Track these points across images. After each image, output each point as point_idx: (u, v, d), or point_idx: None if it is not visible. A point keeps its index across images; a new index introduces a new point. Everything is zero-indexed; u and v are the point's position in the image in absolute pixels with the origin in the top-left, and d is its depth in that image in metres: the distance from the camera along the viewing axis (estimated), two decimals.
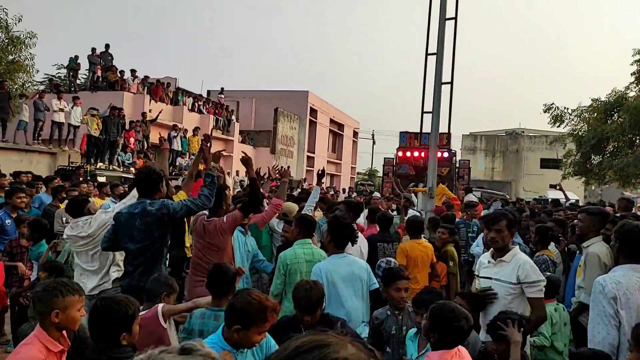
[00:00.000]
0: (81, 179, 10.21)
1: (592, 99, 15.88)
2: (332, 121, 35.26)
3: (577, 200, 17.42)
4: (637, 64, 14.66)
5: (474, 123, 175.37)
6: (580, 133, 15.79)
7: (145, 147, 16.14)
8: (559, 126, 16.61)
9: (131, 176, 13.56)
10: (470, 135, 43.33)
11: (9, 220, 5.47)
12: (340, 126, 37.17)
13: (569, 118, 15.98)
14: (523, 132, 42.45)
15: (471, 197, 12.85)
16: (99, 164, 13.12)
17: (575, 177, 17.31)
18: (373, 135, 49.00)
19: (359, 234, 4.25)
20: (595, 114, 15.37)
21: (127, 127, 14.76)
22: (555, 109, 16.03)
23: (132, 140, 14.65)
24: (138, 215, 3.44)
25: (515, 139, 41.42)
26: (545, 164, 37.68)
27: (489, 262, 3.19)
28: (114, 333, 2.08)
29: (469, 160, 23.77)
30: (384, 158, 22.98)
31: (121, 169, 13.76)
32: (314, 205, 5.73)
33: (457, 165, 21.32)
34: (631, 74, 15.00)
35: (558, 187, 11.04)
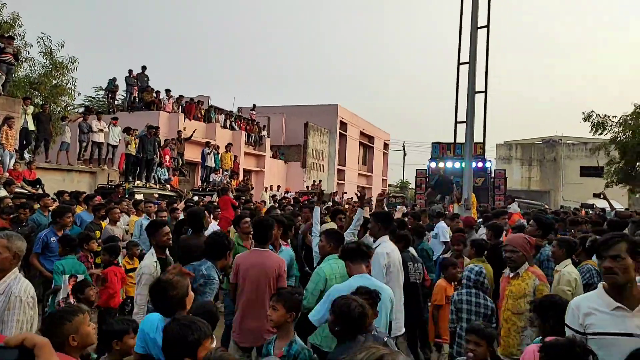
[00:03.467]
0: (120, 196, 10.49)
1: (634, 105, 15.27)
2: (362, 134, 35.19)
3: (626, 209, 16.63)
4: None
5: (508, 132, 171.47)
6: (624, 140, 15.16)
7: (181, 164, 16.52)
8: (600, 134, 15.99)
9: (167, 193, 13.89)
10: (504, 144, 42.31)
11: (54, 238, 5.67)
12: (371, 138, 37.04)
13: (611, 125, 15.40)
14: (560, 139, 41.14)
15: (515, 208, 12.50)
16: (137, 182, 13.47)
17: (619, 185, 16.57)
18: (404, 146, 48.74)
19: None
20: None
21: (162, 145, 15.14)
22: (595, 117, 15.48)
23: (167, 157, 15.00)
24: None
25: (552, 147, 40.17)
26: (585, 172, 36.30)
27: (616, 308, 2.18)
28: (178, 356, 2.09)
29: (504, 170, 23.20)
30: (416, 170, 22.70)
31: (158, 186, 14.08)
32: (357, 229, 5.41)
33: (492, 175, 20.83)
34: None
35: (602, 196, 10.59)
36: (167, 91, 18.93)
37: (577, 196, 32.75)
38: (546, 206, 21.24)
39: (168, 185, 14.45)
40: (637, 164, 15.21)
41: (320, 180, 26.34)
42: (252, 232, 4.46)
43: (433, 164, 20.94)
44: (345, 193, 24.14)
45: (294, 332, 2.79)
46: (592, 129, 15.78)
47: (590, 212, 14.81)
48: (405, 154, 48.67)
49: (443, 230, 7.58)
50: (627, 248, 2.14)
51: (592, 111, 15.57)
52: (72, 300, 4.38)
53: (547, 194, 35.97)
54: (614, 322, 2.17)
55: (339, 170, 30.90)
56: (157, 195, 12.87)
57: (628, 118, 15.13)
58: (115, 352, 2.70)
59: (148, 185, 13.71)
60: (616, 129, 15.40)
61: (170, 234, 4.27)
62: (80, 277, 4.85)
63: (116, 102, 19.52)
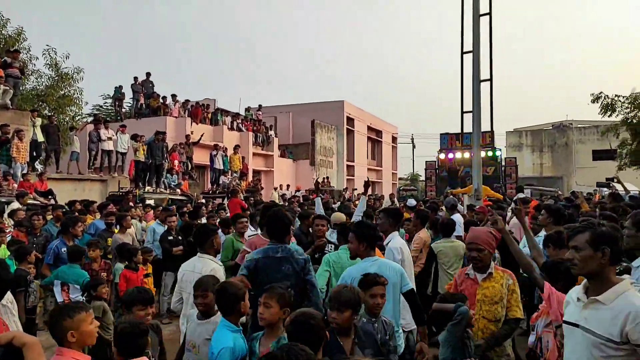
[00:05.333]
0: (131, 203, 10.58)
1: None
2: (369, 128, 35.08)
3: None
4: None
5: (518, 119, 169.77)
6: (634, 120, 14.89)
7: (190, 168, 16.62)
8: (609, 115, 15.72)
9: (178, 197, 13.99)
10: (514, 131, 41.84)
11: (64, 249, 5.73)
12: (378, 133, 36.91)
13: (621, 106, 15.11)
14: (571, 124, 40.57)
15: (522, 195, 12.36)
16: (147, 188, 13.57)
17: (633, 167, 16.30)
18: (412, 139, 48.48)
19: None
20: None
21: (169, 150, 15.24)
22: (604, 98, 15.21)
23: (176, 162, 15.09)
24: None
25: (563, 132, 39.64)
26: (598, 155, 35.73)
27: (578, 299, 2.22)
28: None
29: (515, 158, 22.97)
30: (426, 162, 22.61)
31: (168, 191, 14.19)
32: (362, 215, 5.76)
33: (503, 163, 20.63)
34: None
35: (616, 180, 10.42)
36: (173, 96, 19.05)
37: (590, 180, 32.29)
38: (559, 192, 20.97)
39: (178, 190, 14.54)
40: None
41: (328, 177, 26.33)
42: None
43: (442, 155, 20.83)
44: (356, 189, 24.06)
45: (283, 328, 2.64)
46: (601, 111, 15.51)
47: (605, 192, 14.60)
48: (414, 147, 48.47)
49: (459, 223, 7.52)
50: (589, 239, 2.13)
51: (601, 92, 15.33)
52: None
53: (560, 179, 35.50)
54: (573, 311, 2.25)
55: (348, 166, 30.85)
56: (167, 201, 12.98)
57: (638, 97, 14.84)
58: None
59: (158, 191, 13.82)
60: (626, 110, 15.13)
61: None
62: (74, 287, 4.97)
63: (123, 110, 19.68)
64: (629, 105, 15.04)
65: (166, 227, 7.52)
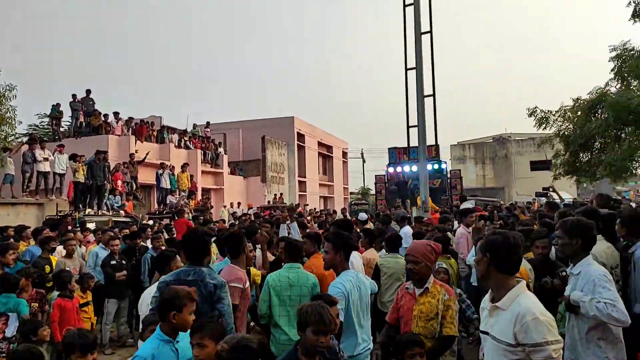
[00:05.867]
0: (70, 227, 9.99)
1: (572, 99, 16.07)
2: (320, 144, 35.36)
3: (574, 200, 17.35)
4: (615, 60, 14.93)
5: (462, 132, 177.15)
6: (566, 133, 15.91)
7: (134, 189, 16.00)
8: (544, 128, 16.73)
9: (121, 219, 13.39)
10: (458, 144, 43.63)
11: None
12: (329, 148, 37.27)
13: (554, 119, 16.13)
14: (510, 136, 42.86)
15: (467, 205, 12.78)
16: (88, 210, 12.91)
17: (567, 177, 17.36)
18: (362, 153, 49.37)
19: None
20: (579, 112, 15.52)
21: (112, 169, 14.63)
22: (539, 112, 16.19)
23: (119, 182, 14.48)
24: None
25: (502, 144, 41.76)
26: (535, 166, 37.90)
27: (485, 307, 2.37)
28: None
29: (459, 170, 23.88)
30: (375, 175, 23.02)
31: (111, 213, 13.56)
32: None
33: (449, 176, 21.37)
34: (610, 71, 15.24)
35: (551, 189, 11.03)
36: (116, 114, 18.34)
37: (529, 190, 34.08)
38: (501, 202, 21.95)
39: (122, 211, 13.93)
40: (581, 155, 15.98)
41: (281, 194, 26.18)
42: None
43: (391, 169, 21.29)
44: (307, 205, 24.06)
45: None
46: (536, 124, 16.49)
47: (542, 202, 15.41)
48: (364, 161, 49.34)
49: (407, 235, 7.62)
50: (480, 245, 2.34)
51: (536, 107, 16.30)
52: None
53: (501, 190, 37.27)
54: (484, 320, 2.38)
55: (299, 182, 30.84)
56: (111, 223, 12.39)
57: (567, 110, 15.90)
58: None
59: (100, 213, 13.17)
60: (559, 123, 16.16)
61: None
62: (12, 316, 4.60)
63: (62, 129, 18.72)
64: (560, 119, 16.08)
65: (109, 250, 7.17)
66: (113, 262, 7.01)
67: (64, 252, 7.11)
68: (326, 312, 2.49)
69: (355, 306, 3.27)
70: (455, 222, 8.26)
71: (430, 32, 10.87)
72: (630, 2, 14.21)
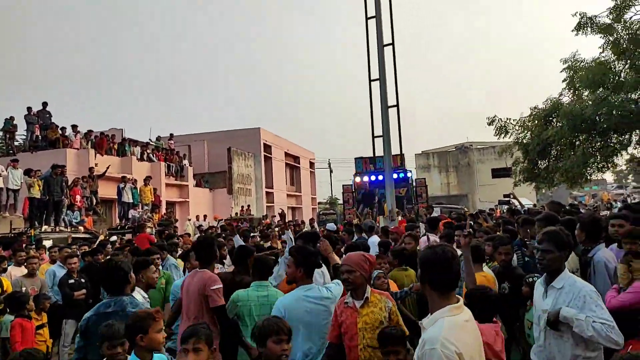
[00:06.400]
0: (24, 245, 9.52)
1: (530, 108, 16.68)
2: (287, 155, 35.29)
3: (534, 205, 17.91)
4: (566, 71, 15.64)
5: (426, 142, 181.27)
6: (524, 141, 16.46)
7: (94, 203, 15.45)
8: (504, 137, 17.26)
9: (81, 235, 12.87)
10: (422, 154, 44.50)
11: None
12: (296, 159, 37.24)
13: (512, 128, 16.67)
14: (471, 145, 44.05)
15: (435, 215, 12.99)
16: (44, 227, 12.35)
17: (526, 183, 17.93)
18: (329, 163, 49.55)
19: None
20: (536, 121, 16.11)
21: (70, 184, 14.10)
22: (498, 121, 16.70)
23: (78, 198, 13.95)
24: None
25: (465, 153, 42.88)
26: (497, 173, 39.08)
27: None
28: None
29: (424, 179, 24.25)
30: (343, 185, 23.07)
31: (69, 229, 13.02)
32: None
33: (414, 184, 21.69)
34: (562, 81, 15.94)
35: (512, 196, 11.35)
36: (74, 127, 17.74)
37: (492, 196, 35.08)
38: (465, 209, 22.43)
39: (81, 227, 13.40)
40: (539, 162, 16.56)
41: (249, 205, 25.90)
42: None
43: (358, 179, 21.42)
44: (275, 216, 23.89)
45: None
46: (496, 133, 16.99)
47: (505, 209, 15.87)
48: (331, 171, 49.51)
49: (374, 244, 7.62)
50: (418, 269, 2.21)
51: (495, 116, 16.80)
52: None
53: (465, 197, 38.14)
54: None
55: (267, 193, 30.63)
56: (70, 240, 11.89)
57: (526, 120, 16.49)
58: None
59: (58, 230, 12.62)
60: (517, 132, 16.72)
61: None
62: None
63: (16, 143, 17.95)
64: (519, 128, 16.64)
65: (66, 269, 6.85)
66: (71, 280, 6.69)
67: (24, 271, 6.78)
68: (282, 321, 2.64)
69: (297, 321, 3.14)
70: (423, 229, 8.36)
71: (393, 44, 11.07)
72: (575, 13, 14.96)
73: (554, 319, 2.82)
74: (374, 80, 10.95)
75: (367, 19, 11.09)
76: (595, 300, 2.78)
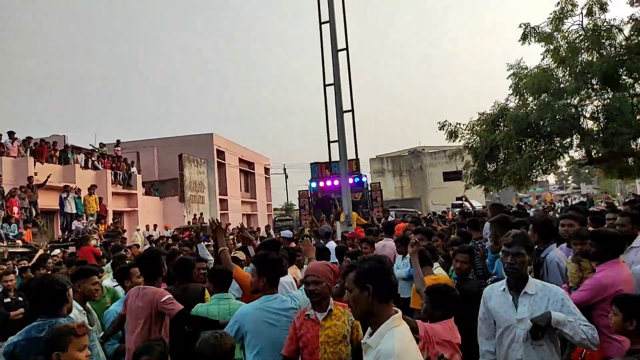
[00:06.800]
0: None
1: (478, 113, 17.27)
2: (241, 160, 34.75)
3: (484, 207, 18.50)
4: (512, 78, 16.32)
5: (380, 146, 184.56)
6: (474, 145, 16.99)
7: (34, 215, 14.50)
8: (454, 141, 17.77)
9: (19, 250, 12.00)
10: (377, 158, 45.20)
11: None
12: (251, 164, 36.76)
13: (462, 132, 17.18)
14: (423, 149, 45.22)
15: (392, 219, 13.12)
16: None
17: (476, 186, 18.51)
18: (285, 169, 49.32)
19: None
20: (484, 125, 16.68)
21: (6, 195, 13.15)
22: (449, 126, 17.16)
23: (15, 209, 13.03)
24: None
25: (417, 157, 43.94)
26: (448, 176, 40.29)
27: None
28: None
29: (379, 183, 24.59)
30: (299, 191, 22.96)
31: (6, 243, 12.11)
32: None
33: (369, 189, 21.90)
34: (509, 87, 16.62)
35: (464, 199, 11.62)
36: (10, 133, 16.57)
37: (444, 199, 36.12)
38: (419, 212, 22.88)
39: (19, 241, 12.51)
40: (488, 165, 17.14)
41: (202, 213, 25.21)
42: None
43: (314, 184, 21.37)
44: (229, 224, 23.36)
45: None
46: (447, 137, 17.47)
47: (457, 212, 16.26)
48: (286, 177, 49.26)
49: (332, 250, 7.56)
50: (354, 278, 2.05)
51: (446, 121, 17.26)
52: None
53: (418, 200, 39.05)
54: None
55: (220, 200, 29.99)
56: (6, 254, 11.05)
57: (475, 124, 17.04)
58: None
59: None
60: (467, 136, 17.25)
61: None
62: None
63: None
64: (468, 132, 17.17)
65: (1, 287, 6.33)
66: (7, 299, 6.24)
67: None
68: (220, 342, 2.51)
69: (255, 333, 2.99)
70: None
71: (347, 49, 11.08)
72: (520, 25, 15.68)
73: (545, 324, 2.62)
74: (328, 85, 10.90)
75: (320, 23, 11.04)
76: (570, 303, 2.72)
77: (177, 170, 25.80)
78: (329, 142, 11.08)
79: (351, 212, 10.51)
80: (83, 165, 19.20)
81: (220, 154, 30.84)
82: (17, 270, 7.65)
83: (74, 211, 14.96)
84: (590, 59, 14.88)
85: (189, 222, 22.48)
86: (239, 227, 4.89)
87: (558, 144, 15.39)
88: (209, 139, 29.90)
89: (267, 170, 40.64)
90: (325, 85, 11.05)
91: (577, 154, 16.84)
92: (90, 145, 21.49)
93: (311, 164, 22.72)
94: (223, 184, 30.78)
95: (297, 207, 28.77)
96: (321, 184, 20.84)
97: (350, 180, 16.00)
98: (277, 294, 3.18)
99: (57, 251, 11.55)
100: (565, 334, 2.63)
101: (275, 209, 43.91)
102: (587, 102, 15.32)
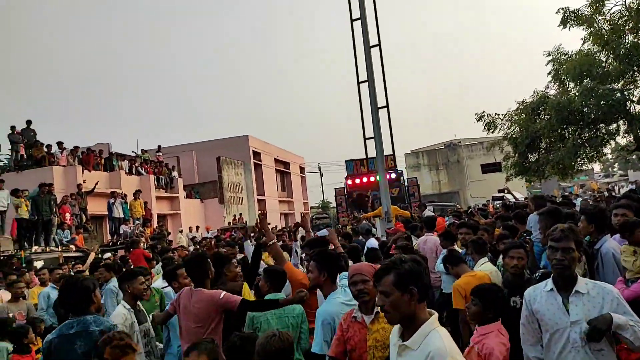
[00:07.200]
0: (15, 267, 9.29)
1: (517, 102, 16.83)
2: (276, 161, 35.17)
3: (526, 199, 17.98)
4: (551, 64, 15.82)
5: (414, 141, 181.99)
6: (513, 135, 16.58)
7: (84, 221, 15.18)
8: (492, 132, 17.38)
9: (72, 254, 12.61)
10: (412, 153, 44.64)
11: None
12: (286, 164, 37.13)
13: (501, 123, 16.79)
14: (460, 142, 44.30)
15: (428, 213, 12.97)
16: (34, 248, 12.09)
17: (518, 177, 18.04)
18: (320, 167, 49.52)
19: None
20: (524, 115, 16.25)
21: (59, 202, 13.83)
22: (487, 117, 16.81)
23: (67, 216, 13.69)
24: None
25: (454, 150, 43.09)
26: (486, 169, 39.29)
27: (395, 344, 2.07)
28: None
29: (416, 178, 24.33)
30: (335, 189, 23.04)
31: (60, 249, 12.76)
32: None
33: (406, 184, 21.72)
34: (547, 74, 16.12)
35: (506, 190, 11.36)
36: (60, 144, 17.44)
37: (483, 192, 35.28)
38: (458, 206, 22.49)
39: (72, 246, 13.15)
40: (529, 156, 16.68)
41: (241, 214, 25.70)
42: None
43: (350, 181, 21.39)
44: (269, 223, 23.71)
45: None
46: (485, 128, 17.12)
47: (498, 205, 15.91)
48: (322, 175, 49.45)
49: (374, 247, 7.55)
50: (394, 281, 1.95)
51: (484, 111, 16.93)
52: None
53: (456, 194, 38.33)
54: (392, 357, 2.09)
55: (258, 200, 30.46)
56: (61, 259, 11.64)
57: (513, 114, 16.62)
58: None
59: (48, 250, 12.37)
60: (506, 126, 16.85)
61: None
62: None
63: (0, 163, 17.60)
64: (507, 122, 16.76)
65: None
66: None
67: (8, 296, 6.55)
68: (285, 342, 2.49)
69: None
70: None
71: (379, 45, 11.03)
72: (558, 10, 15.15)
73: (606, 327, 2.36)
74: (362, 82, 10.89)
75: (352, 21, 11.03)
76: (625, 302, 2.49)
77: (215, 172, 26.40)
78: (365, 138, 11.07)
79: (390, 208, 10.48)
80: (127, 171, 19.96)
81: (256, 155, 31.32)
82: (73, 273, 8.03)
83: (122, 216, 15.58)
84: (635, 40, 14.21)
85: (229, 223, 22.96)
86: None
87: (604, 131, 14.81)
88: (244, 141, 30.42)
89: (302, 169, 40.93)
90: (359, 83, 11.04)
91: (624, 140, 16.15)
92: (133, 152, 22.32)
93: (346, 161, 22.74)
94: (260, 185, 31.25)
95: (333, 205, 28.86)
96: (357, 180, 20.84)
97: (388, 176, 15.94)
98: (337, 289, 3.21)
99: (107, 254, 12.09)
100: (624, 339, 2.38)
101: (311, 207, 44.17)
102: (633, 86, 14.65)
